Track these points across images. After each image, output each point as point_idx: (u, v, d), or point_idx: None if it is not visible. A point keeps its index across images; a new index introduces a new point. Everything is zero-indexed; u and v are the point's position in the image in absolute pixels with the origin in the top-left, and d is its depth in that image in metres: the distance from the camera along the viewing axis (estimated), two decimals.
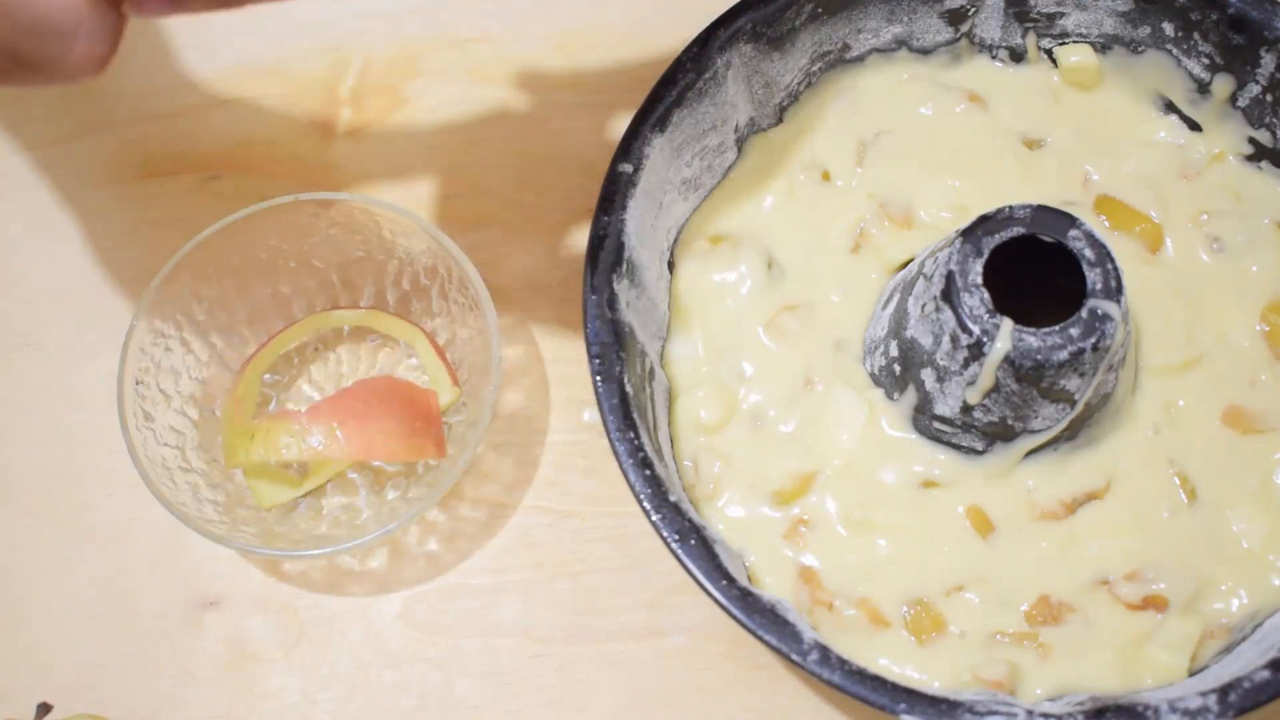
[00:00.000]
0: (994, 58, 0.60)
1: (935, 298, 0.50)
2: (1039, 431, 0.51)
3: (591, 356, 0.51)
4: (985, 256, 0.49)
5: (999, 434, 0.52)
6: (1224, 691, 0.45)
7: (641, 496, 0.49)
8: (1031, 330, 0.48)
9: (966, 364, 0.49)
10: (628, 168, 0.53)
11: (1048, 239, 0.49)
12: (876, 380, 0.54)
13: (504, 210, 0.63)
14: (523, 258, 0.63)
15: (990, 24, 0.59)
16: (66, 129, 0.66)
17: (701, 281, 0.57)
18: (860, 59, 0.60)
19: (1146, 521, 0.52)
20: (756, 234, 0.57)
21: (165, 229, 0.63)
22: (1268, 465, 0.53)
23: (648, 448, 0.50)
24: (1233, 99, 0.57)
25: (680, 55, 0.54)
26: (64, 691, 0.56)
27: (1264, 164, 0.57)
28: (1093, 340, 0.48)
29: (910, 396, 0.53)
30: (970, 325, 0.48)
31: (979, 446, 0.53)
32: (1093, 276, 0.49)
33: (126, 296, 0.58)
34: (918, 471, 0.53)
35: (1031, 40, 0.59)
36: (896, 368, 0.53)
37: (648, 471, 0.49)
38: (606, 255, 0.52)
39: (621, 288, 0.52)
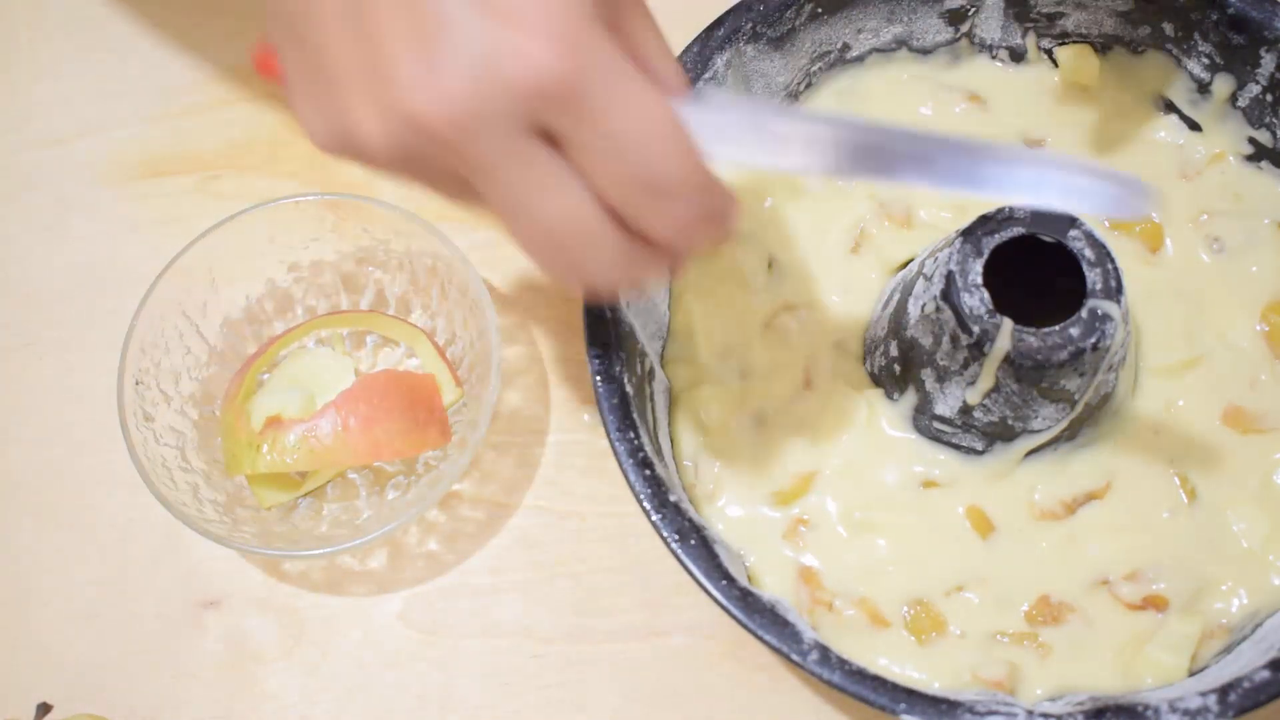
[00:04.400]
0: (994, 58, 0.60)
1: (935, 298, 0.50)
2: (1039, 431, 0.51)
3: (591, 356, 0.51)
4: (985, 256, 0.49)
5: (999, 434, 0.52)
6: (1224, 691, 0.45)
7: (641, 496, 0.49)
8: (1031, 330, 0.48)
9: (966, 364, 0.49)
10: None
11: (1048, 239, 0.49)
12: (876, 380, 0.54)
13: None
14: (523, 258, 0.62)
15: (990, 24, 0.59)
16: (66, 129, 0.66)
17: (702, 281, 0.57)
18: (860, 59, 0.60)
19: (1146, 521, 0.52)
20: (756, 234, 0.57)
21: (165, 229, 0.63)
22: (1268, 465, 0.53)
23: (648, 448, 0.50)
24: (1233, 99, 0.57)
25: (680, 55, 0.54)
26: (64, 691, 0.56)
27: (1264, 164, 0.57)
28: (1093, 340, 0.48)
29: (910, 396, 0.53)
30: (970, 325, 0.48)
31: (979, 446, 0.53)
32: (1093, 276, 0.49)
33: (126, 296, 0.58)
34: (918, 471, 0.53)
35: (1031, 40, 0.59)
36: (896, 368, 0.53)
37: (648, 471, 0.49)
38: None
39: None
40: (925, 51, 0.60)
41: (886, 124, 0.39)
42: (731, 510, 0.53)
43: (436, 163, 0.38)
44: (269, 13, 0.41)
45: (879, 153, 0.39)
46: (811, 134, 0.39)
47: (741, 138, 0.39)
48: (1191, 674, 0.49)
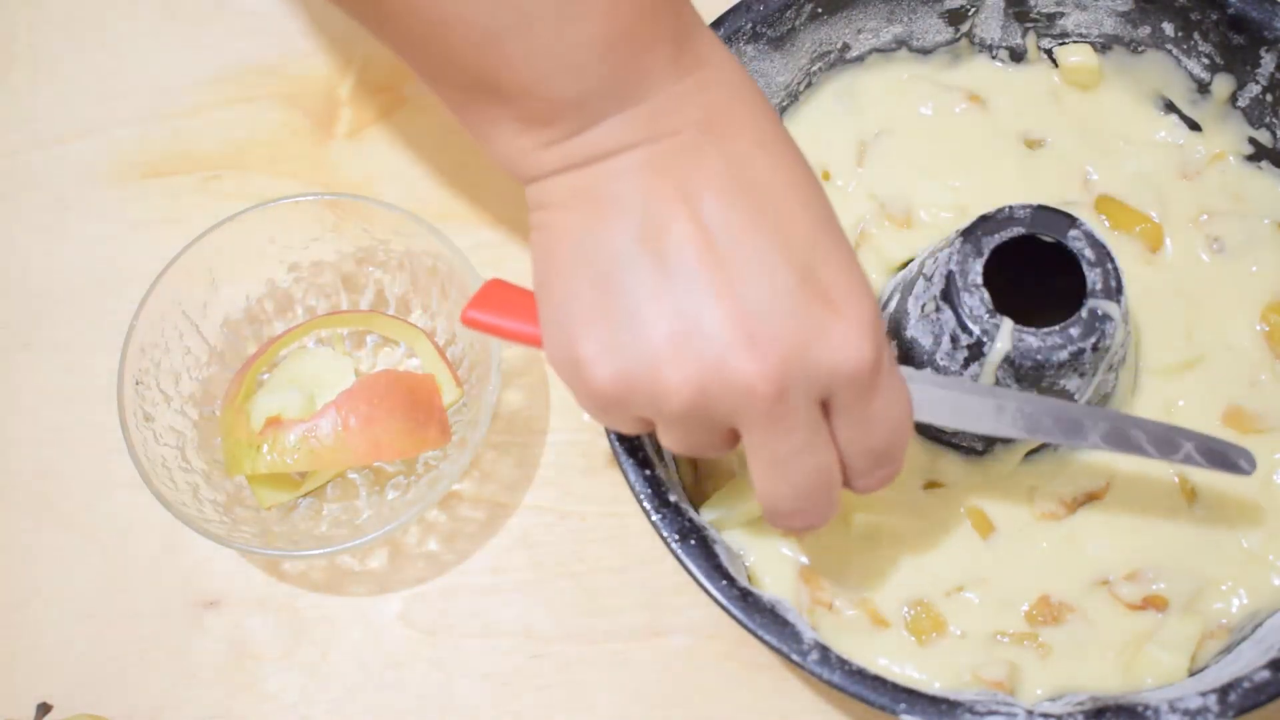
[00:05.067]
0: (994, 58, 0.60)
1: (935, 298, 0.50)
2: None
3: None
4: (985, 256, 0.49)
5: None
6: (1224, 691, 0.45)
7: (641, 496, 0.49)
8: (1031, 330, 0.48)
9: (966, 364, 0.49)
10: None
11: (1048, 239, 0.49)
12: None
13: (505, 210, 0.63)
14: (524, 258, 0.62)
15: (990, 24, 0.59)
16: (66, 129, 0.66)
17: None
18: (860, 59, 0.60)
19: (1146, 521, 0.52)
20: None
21: (165, 229, 0.63)
22: (1268, 465, 0.53)
23: (648, 448, 0.50)
24: (1233, 99, 0.57)
25: None
26: (64, 691, 0.56)
27: (1264, 164, 0.57)
28: (1093, 340, 0.48)
29: None
30: (970, 325, 0.48)
31: (979, 446, 0.53)
32: (1093, 276, 0.49)
33: (126, 296, 0.58)
34: (919, 472, 0.53)
35: (1031, 40, 0.59)
36: None
37: (648, 471, 0.49)
38: None
39: None
40: (925, 51, 0.60)
41: (1048, 400, 0.47)
42: None
43: (721, 417, 0.41)
44: (540, 253, 0.43)
45: (1052, 423, 0.47)
46: (994, 406, 0.47)
47: (937, 407, 0.46)
48: (1191, 674, 0.49)
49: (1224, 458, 0.47)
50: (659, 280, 0.40)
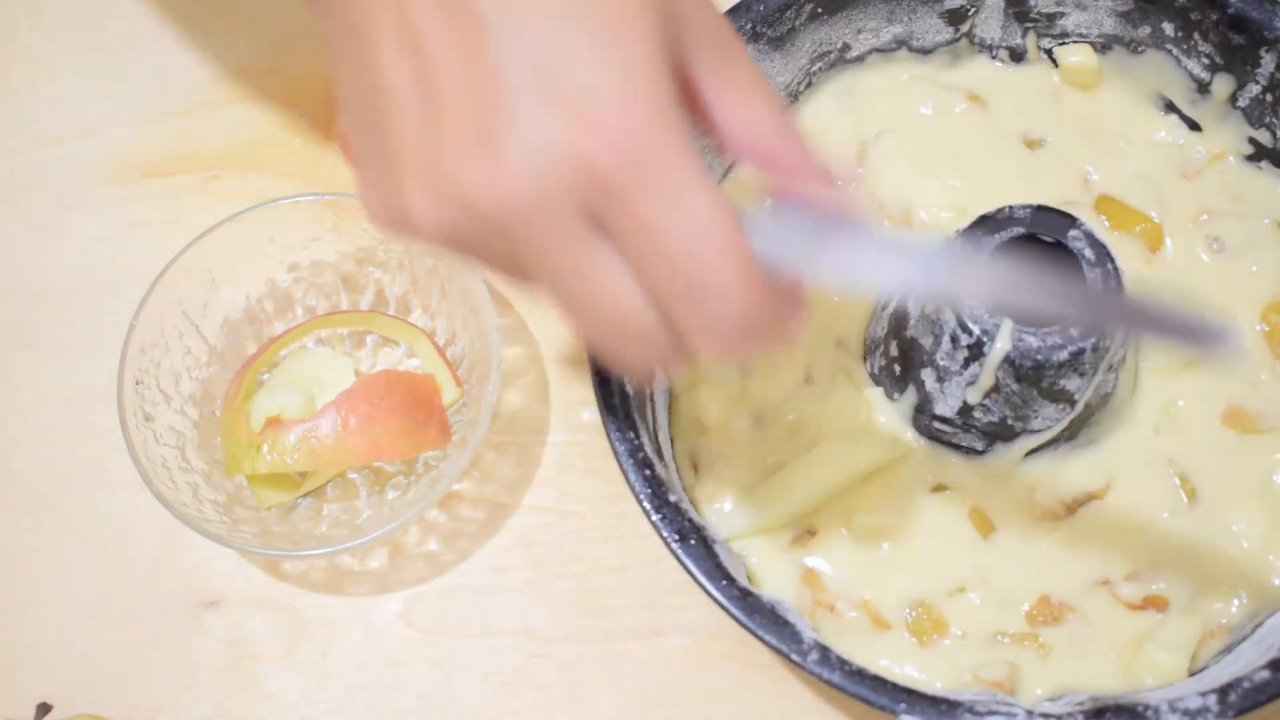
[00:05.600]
0: (994, 58, 0.60)
1: None
2: (1039, 431, 0.51)
3: (591, 357, 0.51)
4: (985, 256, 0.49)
5: (999, 434, 0.52)
6: (1224, 691, 0.45)
7: (641, 496, 0.49)
8: (1031, 330, 0.48)
9: (967, 364, 0.49)
10: None
11: (1048, 239, 0.49)
12: (877, 380, 0.54)
13: None
14: None
15: (990, 24, 0.59)
16: (66, 129, 0.66)
17: None
18: (860, 59, 0.60)
19: (1146, 521, 0.52)
20: None
21: (165, 229, 0.63)
22: (1268, 465, 0.53)
23: (648, 448, 0.50)
24: (1233, 99, 0.57)
25: None
26: (64, 691, 0.56)
27: (1264, 164, 0.57)
28: (1093, 340, 0.48)
29: (910, 396, 0.53)
30: (970, 325, 0.48)
31: (979, 446, 0.53)
32: (1093, 276, 0.49)
33: (126, 296, 0.58)
34: (925, 476, 0.53)
35: (1031, 40, 0.59)
36: (897, 368, 0.53)
37: (648, 471, 0.49)
38: None
39: None
40: (925, 51, 0.60)
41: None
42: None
43: (489, 246, 0.38)
44: (341, 103, 0.41)
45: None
46: (890, 252, 0.38)
47: (807, 248, 0.38)
48: (1191, 674, 0.49)
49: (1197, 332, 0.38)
50: (406, 113, 0.38)
